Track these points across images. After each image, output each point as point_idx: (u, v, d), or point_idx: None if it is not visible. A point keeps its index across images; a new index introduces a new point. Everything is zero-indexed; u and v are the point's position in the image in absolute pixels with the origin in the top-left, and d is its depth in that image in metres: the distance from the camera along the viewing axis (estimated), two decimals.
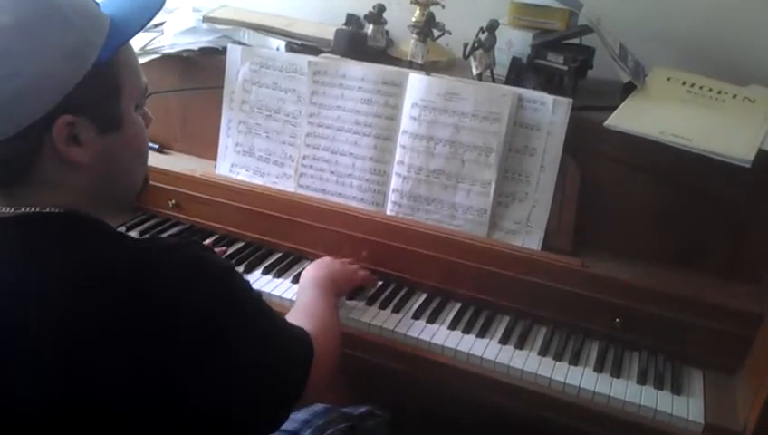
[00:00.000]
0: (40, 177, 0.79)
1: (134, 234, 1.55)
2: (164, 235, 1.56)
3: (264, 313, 0.92)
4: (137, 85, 0.87)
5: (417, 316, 1.34)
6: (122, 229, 1.56)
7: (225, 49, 1.55)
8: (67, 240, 0.79)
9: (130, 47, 0.86)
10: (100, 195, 0.85)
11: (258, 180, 1.54)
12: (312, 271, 1.32)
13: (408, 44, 1.52)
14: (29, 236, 0.79)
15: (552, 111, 1.31)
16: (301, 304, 1.21)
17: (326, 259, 1.38)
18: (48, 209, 0.80)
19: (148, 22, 0.86)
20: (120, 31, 0.81)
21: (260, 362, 0.86)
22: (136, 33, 0.84)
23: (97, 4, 0.83)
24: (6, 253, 0.78)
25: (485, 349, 1.26)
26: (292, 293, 1.37)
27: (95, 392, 0.74)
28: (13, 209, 0.79)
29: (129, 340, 0.75)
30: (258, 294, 0.93)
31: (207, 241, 1.53)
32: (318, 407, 1.28)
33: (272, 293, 1.39)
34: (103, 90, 0.80)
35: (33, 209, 0.79)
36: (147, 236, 1.53)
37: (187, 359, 0.78)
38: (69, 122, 0.77)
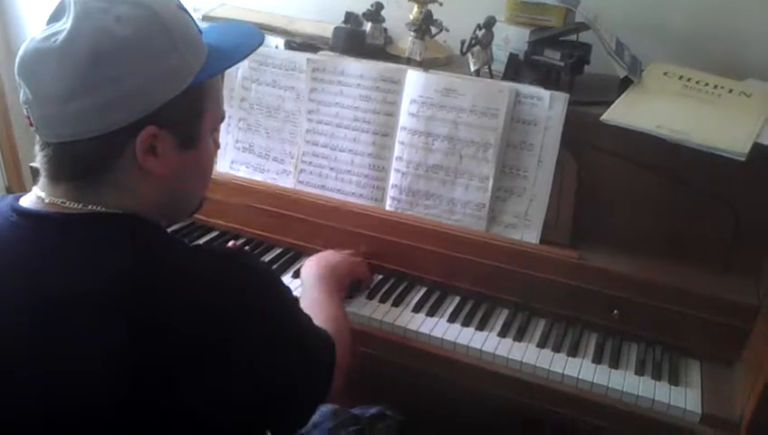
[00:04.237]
0: (113, 178, 0.83)
1: None
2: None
3: (299, 317, 0.96)
4: (217, 112, 0.93)
5: (416, 310, 1.35)
6: None
7: None
8: (129, 239, 0.83)
9: (219, 79, 0.95)
10: (162, 207, 0.89)
11: (258, 177, 1.55)
12: (313, 267, 1.33)
13: (407, 42, 1.53)
14: (92, 233, 0.82)
15: (549, 106, 1.32)
16: (309, 301, 1.22)
17: (327, 251, 1.39)
18: (113, 210, 0.83)
19: (243, 59, 0.95)
20: (216, 61, 0.88)
21: (291, 368, 0.90)
22: (229, 66, 0.93)
23: (200, 32, 0.89)
24: (70, 249, 0.81)
25: (485, 341, 1.27)
26: (293, 288, 1.37)
27: (156, 392, 0.76)
28: (81, 205, 0.82)
29: (182, 340, 0.78)
30: (294, 298, 0.98)
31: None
32: (327, 408, 1.29)
33: None
34: (189, 110, 0.86)
35: (99, 208, 0.83)
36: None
37: (218, 362, 0.80)
38: (153, 134, 0.82)
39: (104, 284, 0.77)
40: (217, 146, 0.98)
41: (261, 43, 0.97)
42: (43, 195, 0.84)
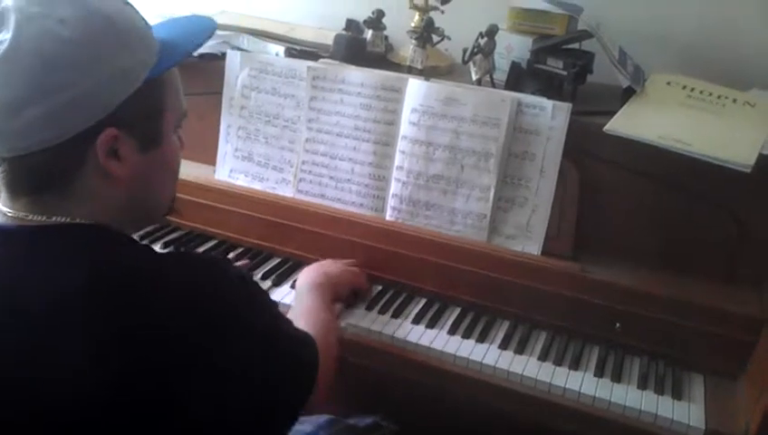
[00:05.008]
0: (76, 187, 0.81)
1: None
2: (163, 240, 1.56)
3: (275, 318, 0.94)
4: (178, 107, 0.91)
5: (416, 321, 1.33)
6: None
7: (224, 54, 1.55)
8: (91, 250, 0.81)
9: (176, 71, 0.91)
10: (130, 211, 0.88)
11: (257, 186, 1.54)
12: (309, 274, 1.31)
13: (408, 50, 1.53)
14: (56, 245, 0.80)
15: (551, 116, 1.30)
16: (299, 308, 1.21)
17: (324, 261, 1.37)
18: (78, 220, 0.82)
19: (197, 48, 0.93)
20: (170, 53, 0.86)
21: (270, 368, 0.88)
22: (185, 56, 0.88)
23: (150, 27, 0.87)
24: (34, 261, 0.79)
25: (485, 354, 1.25)
26: (291, 298, 1.36)
27: (111, 396, 0.75)
28: (44, 217, 0.81)
29: (141, 347, 0.76)
30: (272, 301, 0.96)
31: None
32: (322, 419, 1.27)
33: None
34: (148, 108, 0.84)
35: (64, 219, 0.81)
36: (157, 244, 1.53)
37: (193, 366, 0.79)
38: (114, 135, 0.80)
39: (66, 297, 0.76)
40: (182, 144, 0.96)
41: (213, 30, 0.94)
42: (5, 209, 0.82)
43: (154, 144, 0.86)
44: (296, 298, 1.27)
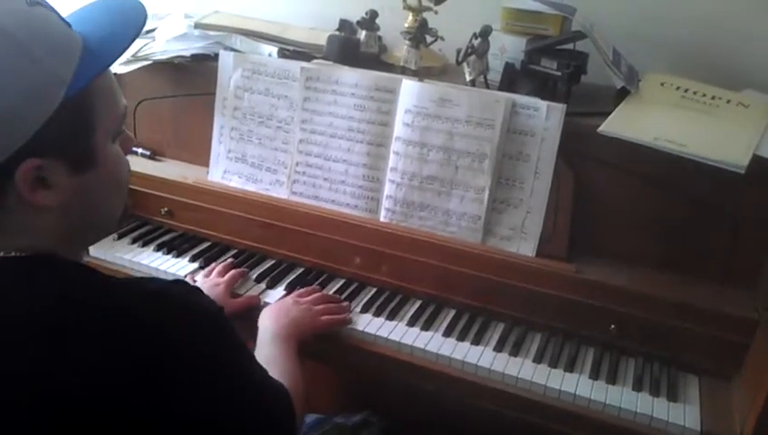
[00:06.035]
0: (3, 221, 0.72)
1: (127, 241, 1.54)
2: (157, 242, 1.55)
3: (248, 366, 0.86)
4: (114, 113, 0.78)
5: (411, 324, 1.33)
6: (115, 237, 1.55)
7: (216, 55, 1.54)
8: (30, 286, 0.71)
9: (107, 72, 0.77)
10: (72, 232, 0.78)
11: (251, 187, 1.53)
12: (272, 318, 1.23)
13: (401, 50, 1.52)
14: None
15: (545, 116, 1.30)
16: (264, 357, 1.10)
17: (287, 302, 1.31)
18: (13, 253, 0.73)
19: (126, 48, 0.76)
20: (94, 59, 0.72)
21: (246, 416, 0.81)
22: (112, 62, 0.75)
23: (67, 25, 0.74)
24: None
25: (480, 356, 1.25)
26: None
27: None
28: None
29: (104, 388, 0.69)
30: (243, 345, 0.85)
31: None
32: (310, 418, 1.27)
33: (265, 301, 1.38)
34: (73, 126, 0.72)
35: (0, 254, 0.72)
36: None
37: (160, 409, 0.72)
38: (36, 166, 0.69)
39: (6, 335, 0.68)
40: (129, 141, 0.85)
41: (144, 21, 0.78)
42: None
43: (88, 164, 0.75)
44: (258, 344, 1.17)
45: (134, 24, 0.77)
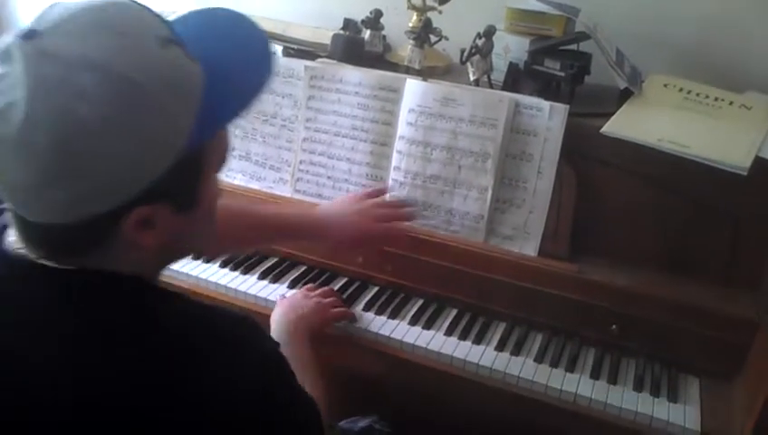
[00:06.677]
0: (101, 253, 0.72)
1: None
2: None
3: (296, 400, 0.85)
4: (223, 152, 0.77)
5: (413, 323, 1.33)
6: None
7: None
8: (108, 303, 0.73)
9: None
10: (164, 262, 0.81)
11: (255, 185, 1.54)
12: (281, 315, 1.25)
13: (405, 50, 1.52)
14: (88, 295, 0.72)
15: (548, 117, 1.30)
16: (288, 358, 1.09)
17: (296, 296, 1.32)
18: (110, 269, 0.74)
19: (260, 90, 0.74)
20: (217, 104, 0.70)
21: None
22: (239, 111, 0.73)
23: (195, 66, 0.70)
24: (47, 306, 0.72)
25: (482, 356, 1.25)
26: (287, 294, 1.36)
27: None
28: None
29: (156, 420, 0.69)
30: (293, 376, 0.84)
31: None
32: None
33: (267, 298, 1.39)
34: (187, 174, 0.72)
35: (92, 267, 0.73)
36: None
37: None
38: (145, 214, 0.69)
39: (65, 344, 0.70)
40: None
41: (268, 47, 0.78)
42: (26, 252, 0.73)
43: (193, 205, 0.75)
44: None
45: (261, 52, 0.77)
